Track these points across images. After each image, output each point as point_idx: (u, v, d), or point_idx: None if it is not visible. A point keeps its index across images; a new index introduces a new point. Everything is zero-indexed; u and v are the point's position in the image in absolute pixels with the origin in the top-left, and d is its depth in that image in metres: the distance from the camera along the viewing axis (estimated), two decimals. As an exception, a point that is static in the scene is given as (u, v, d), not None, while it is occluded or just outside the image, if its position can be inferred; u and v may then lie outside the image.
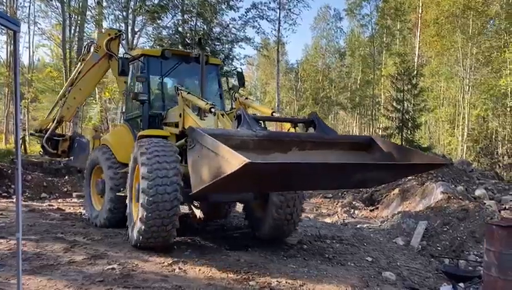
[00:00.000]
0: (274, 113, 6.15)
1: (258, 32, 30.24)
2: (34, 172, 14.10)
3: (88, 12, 22.60)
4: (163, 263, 5.44)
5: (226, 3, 23.04)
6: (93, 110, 24.47)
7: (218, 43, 22.46)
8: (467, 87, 28.58)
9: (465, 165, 15.06)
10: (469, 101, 28.53)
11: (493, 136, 29.56)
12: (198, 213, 9.04)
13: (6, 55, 24.82)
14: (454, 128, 31.46)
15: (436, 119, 34.19)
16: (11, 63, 22.16)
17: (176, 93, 6.68)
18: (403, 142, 19.35)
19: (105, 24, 22.97)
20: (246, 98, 7.77)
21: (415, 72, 23.30)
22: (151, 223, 5.56)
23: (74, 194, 12.72)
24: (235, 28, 23.99)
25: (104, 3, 22.14)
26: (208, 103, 5.90)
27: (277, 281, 5.04)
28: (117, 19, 22.25)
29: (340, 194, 14.47)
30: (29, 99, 26.81)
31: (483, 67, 28.95)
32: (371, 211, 12.31)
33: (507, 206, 10.45)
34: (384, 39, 39.70)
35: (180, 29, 22.15)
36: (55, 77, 27.66)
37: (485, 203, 9.91)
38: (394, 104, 21.83)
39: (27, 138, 18.81)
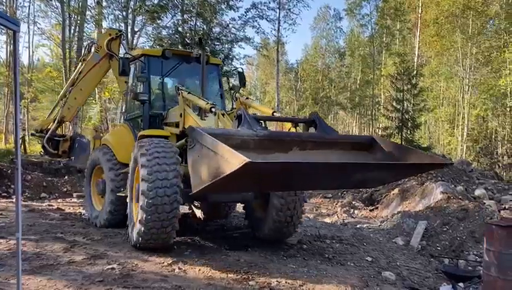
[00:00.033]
0: (275, 113, 6.14)
1: (257, 32, 30.36)
2: (34, 172, 14.10)
3: (88, 12, 22.62)
4: (163, 263, 5.44)
5: (225, 3, 23.05)
6: (93, 110, 24.45)
7: (217, 43, 22.47)
8: (467, 87, 28.60)
9: (465, 165, 15.06)
10: (469, 101, 28.55)
11: (493, 136, 29.58)
12: (198, 213, 9.04)
13: (6, 55, 24.85)
14: (453, 128, 31.49)
15: (436, 119, 34.23)
16: (11, 62, 22.17)
17: (177, 93, 6.67)
18: (403, 142, 19.35)
19: (105, 24, 23.01)
20: (247, 98, 7.76)
21: (415, 72, 23.33)
22: (151, 225, 5.55)
23: (75, 194, 12.71)
24: (234, 27, 24.03)
25: (104, 3, 22.15)
26: (208, 103, 5.89)
27: (277, 281, 5.04)
28: (117, 18, 22.28)
29: (339, 194, 14.47)
30: (28, 99, 26.82)
31: (483, 67, 28.97)
32: (370, 211, 12.31)
33: (507, 206, 10.46)
34: (384, 39, 39.70)
35: (180, 29, 22.15)
36: (54, 76, 27.66)
37: (484, 203, 9.91)
38: (394, 104, 21.85)
39: (27, 137, 18.82)
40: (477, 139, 28.56)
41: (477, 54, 28.44)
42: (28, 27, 27.91)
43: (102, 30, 21.54)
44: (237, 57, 24.87)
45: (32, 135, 11.59)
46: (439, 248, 7.79)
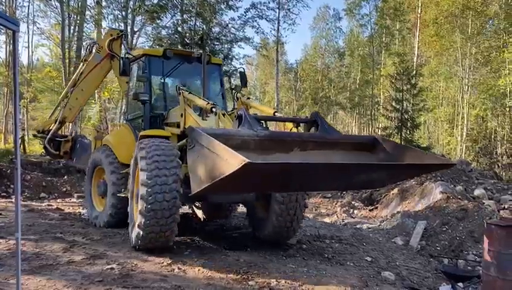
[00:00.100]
0: (276, 113, 6.12)
1: (257, 32, 30.39)
2: (33, 172, 14.10)
3: (87, 12, 22.58)
4: (163, 262, 5.44)
5: (225, 3, 23.04)
6: (93, 110, 24.41)
7: (217, 43, 22.46)
8: (466, 87, 28.63)
9: (464, 165, 15.06)
10: (468, 101, 28.58)
11: (492, 136, 29.61)
12: (199, 214, 9.04)
13: (6, 55, 24.79)
14: (453, 128, 31.51)
15: (435, 119, 34.26)
16: (10, 62, 22.13)
17: (177, 93, 6.65)
18: (402, 142, 19.37)
19: (104, 24, 22.95)
20: (248, 98, 7.72)
21: (414, 72, 23.36)
22: (149, 229, 5.54)
23: (75, 195, 12.71)
24: (234, 27, 24.03)
25: (104, 3, 22.10)
26: (209, 103, 5.87)
27: (276, 281, 5.04)
28: (116, 18, 22.26)
29: (339, 194, 14.47)
30: (28, 99, 26.79)
31: (482, 67, 29.02)
32: (370, 210, 12.32)
33: (506, 206, 10.47)
34: (384, 39, 39.71)
35: (179, 29, 22.14)
36: (54, 76, 27.64)
37: (484, 203, 9.92)
38: (393, 104, 21.88)
39: (26, 137, 18.79)
40: (477, 139, 28.59)
41: (477, 54, 28.48)
42: (28, 27, 27.96)
43: (102, 30, 21.54)
44: (237, 57, 24.94)
45: (34, 136, 11.58)
46: (438, 248, 7.79)
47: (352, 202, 13.22)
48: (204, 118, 6.15)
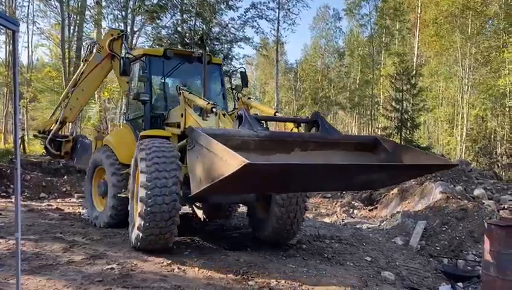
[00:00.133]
0: (277, 114, 6.10)
1: (257, 32, 30.37)
2: (33, 172, 14.09)
3: (87, 12, 22.57)
4: (163, 262, 5.44)
5: (225, 3, 23.04)
6: (92, 110, 24.40)
7: (217, 43, 22.46)
8: (466, 87, 28.65)
9: (464, 165, 15.07)
10: (468, 101, 28.60)
11: (492, 136, 29.63)
12: (200, 214, 9.04)
13: (5, 55, 24.80)
14: (453, 128, 31.53)
15: (435, 119, 34.27)
16: (10, 62, 22.13)
17: (178, 93, 6.63)
18: (402, 142, 19.38)
19: (104, 24, 22.95)
20: (249, 98, 7.70)
21: (414, 72, 23.38)
22: (149, 232, 5.53)
23: (76, 195, 12.71)
24: (234, 27, 24.02)
25: (103, 3, 22.10)
26: (209, 103, 5.86)
27: (276, 281, 5.04)
28: (116, 18, 22.27)
29: (339, 193, 14.47)
30: (28, 99, 26.78)
31: (482, 67, 29.03)
32: (370, 210, 12.33)
33: (506, 206, 10.47)
34: (383, 39, 39.74)
35: (179, 29, 22.14)
36: (54, 76, 27.63)
37: (483, 203, 9.93)
38: (393, 104, 21.90)
39: (26, 137, 18.78)
40: (476, 139, 28.61)
41: (477, 54, 28.49)
42: (27, 27, 27.97)
43: (102, 30, 21.54)
44: (236, 56, 24.93)
45: (34, 136, 11.57)
46: (438, 248, 7.80)
47: (352, 202, 13.23)
48: (205, 118, 6.14)
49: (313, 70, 46.55)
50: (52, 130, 10.15)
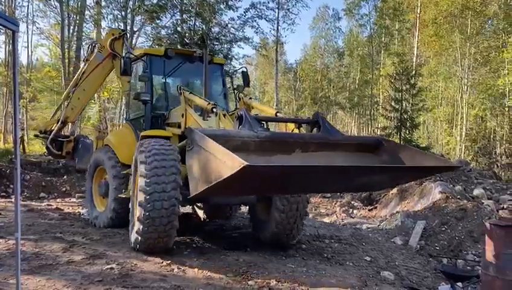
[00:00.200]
0: (278, 114, 6.07)
1: (256, 32, 30.30)
2: (33, 172, 14.09)
3: (87, 12, 22.58)
4: (162, 262, 5.44)
5: (224, 3, 23.06)
6: (92, 110, 24.41)
7: (217, 43, 22.47)
8: (465, 87, 28.66)
9: (463, 165, 15.08)
10: (467, 100, 28.61)
11: (491, 136, 29.65)
12: (200, 214, 9.04)
13: (5, 55, 24.79)
14: (452, 128, 31.54)
15: (435, 119, 34.28)
16: (10, 62, 22.13)
17: (178, 93, 6.61)
18: (401, 142, 19.38)
19: (104, 24, 22.98)
20: (250, 98, 7.67)
21: (414, 72, 23.38)
22: (147, 236, 5.52)
23: (76, 194, 12.71)
24: (233, 27, 24.04)
25: (103, 3, 22.12)
26: (210, 103, 5.83)
27: (276, 280, 5.04)
28: (116, 18, 22.27)
29: (338, 193, 14.47)
30: (27, 99, 26.77)
31: (482, 67, 29.04)
32: (369, 210, 12.34)
33: (505, 206, 10.47)
34: (383, 39, 39.78)
35: (179, 29, 22.16)
36: (53, 76, 27.64)
37: (483, 203, 9.93)
38: (393, 103, 21.90)
39: (26, 137, 18.77)
40: (476, 139, 28.63)
41: (476, 54, 28.50)
42: (27, 27, 27.99)
43: (102, 30, 21.55)
44: (236, 56, 24.96)
45: (35, 136, 11.53)
46: (437, 248, 7.81)
47: (352, 202, 13.24)
48: (206, 118, 6.12)
49: (313, 70, 46.57)
50: (53, 130, 10.14)
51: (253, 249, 6.51)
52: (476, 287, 5.96)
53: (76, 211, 9.80)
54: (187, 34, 21.89)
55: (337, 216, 11.76)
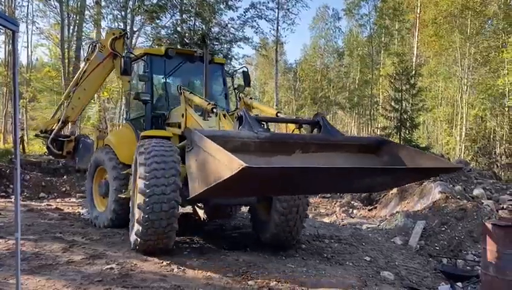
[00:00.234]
0: (279, 114, 6.05)
1: (256, 32, 30.30)
2: (33, 172, 14.09)
3: (86, 12, 22.59)
4: (162, 262, 5.44)
5: (224, 3, 23.07)
6: (92, 110, 24.41)
7: (216, 43, 22.48)
8: (465, 87, 28.67)
9: (463, 165, 15.08)
10: (467, 100, 28.61)
11: (491, 136, 29.65)
12: (201, 214, 9.03)
13: (5, 55, 24.79)
14: (452, 128, 31.54)
15: (434, 119, 34.28)
16: (10, 62, 22.12)
17: (179, 93, 6.60)
18: (401, 142, 19.39)
19: (103, 24, 22.99)
20: (251, 98, 7.62)
21: (413, 72, 23.38)
22: (147, 238, 5.52)
23: (77, 194, 12.71)
24: (233, 27, 24.06)
25: (103, 3, 22.14)
26: (210, 103, 5.81)
27: (276, 280, 5.04)
28: (115, 18, 22.27)
29: (338, 193, 14.48)
30: (27, 99, 26.76)
31: (481, 67, 29.05)
32: (369, 210, 12.34)
33: (505, 206, 10.48)
34: (383, 39, 39.78)
35: (178, 29, 22.16)
36: (53, 76, 27.62)
37: (482, 203, 9.93)
38: (392, 103, 21.90)
39: (25, 137, 18.76)
40: (476, 139, 28.63)
41: (476, 54, 28.51)
42: (27, 27, 27.97)
43: (101, 30, 21.55)
44: (236, 56, 24.98)
45: (36, 135, 11.51)
46: (437, 248, 7.81)
47: (352, 202, 13.24)
48: (206, 118, 6.11)
49: (312, 70, 46.57)
50: (54, 129, 10.13)
51: (253, 249, 6.52)
52: (475, 287, 5.96)
53: (76, 211, 9.80)
54: (187, 34, 21.90)
55: (337, 216, 11.77)
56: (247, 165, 3.13)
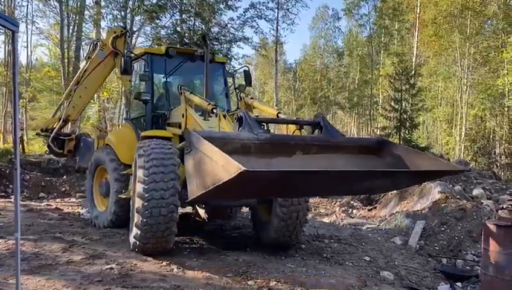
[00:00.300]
0: (280, 114, 6.03)
1: (256, 32, 30.29)
2: (32, 172, 14.09)
3: (86, 12, 22.57)
4: (162, 262, 5.44)
5: (224, 3, 23.09)
6: (91, 110, 24.40)
7: (216, 43, 22.48)
8: (465, 87, 28.68)
9: (463, 165, 15.08)
10: (467, 100, 28.62)
11: (491, 136, 29.66)
12: (202, 213, 9.03)
13: (4, 55, 24.78)
14: (452, 128, 31.55)
15: (434, 119, 34.30)
16: (9, 62, 22.11)
17: (179, 93, 6.58)
18: (401, 142, 19.40)
19: (103, 24, 22.98)
20: (251, 98, 7.58)
21: (413, 72, 23.38)
22: (145, 241, 5.52)
23: (77, 195, 12.70)
24: (233, 27, 24.07)
25: (102, 3, 22.12)
26: (210, 104, 5.78)
27: (275, 280, 5.05)
28: (115, 18, 22.22)
29: (338, 193, 14.48)
30: (27, 99, 26.75)
31: (481, 67, 29.06)
32: (369, 210, 12.35)
33: (504, 206, 10.48)
34: (382, 39, 39.79)
35: (178, 29, 22.17)
36: (53, 76, 27.60)
37: (482, 203, 9.94)
38: (392, 103, 21.91)
39: (25, 137, 18.74)
40: (475, 139, 28.64)
41: (475, 54, 28.52)
42: (26, 27, 27.95)
43: (101, 30, 21.55)
44: (236, 56, 24.98)
45: (37, 134, 11.48)
46: (437, 248, 7.81)
47: (351, 202, 13.25)
48: (206, 118, 6.09)
49: (312, 70, 46.57)
50: (54, 128, 10.13)
51: (252, 249, 6.52)
52: (475, 287, 5.97)
53: (76, 211, 9.80)
54: (187, 34, 21.90)
55: (336, 216, 11.77)
56: (245, 168, 3.07)
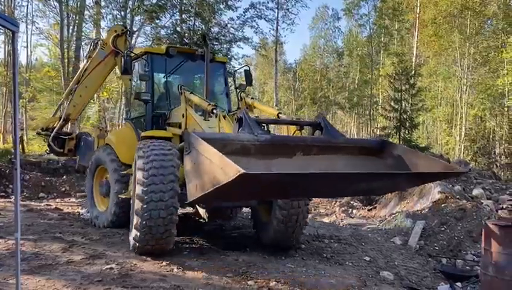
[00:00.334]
0: (280, 114, 6.02)
1: (256, 32, 30.31)
2: (32, 172, 14.09)
3: (86, 12, 22.58)
4: (162, 262, 5.44)
5: (224, 3, 23.09)
6: (91, 110, 24.40)
7: (216, 43, 22.49)
8: (465, 87, 28.68)
9: (463, 165, 15.07)
10: (466, 100, 28.63)
11: (490, 136, 29.67)
12: (202, 212, 9.02)
13: (4, 55, 24.78)
14: (451, 128, 31.55)
15: (434, 119, 34.32)
16: (9, 62, 22.11)
17: (179, 93, 6.57)
18: (401, 142, 19.41)
19: (103, 24, 22.99)
20: (252, 98, 7.56)
21: (413, 72, 23.41)
22: (144, 243, 5.52)
23: (77, 195, 12.70)
24: (233, 27, 24.08)
25: (102, 3, 22.13)
26: (210, 104, 5.77)
27: (275, 280, 5.05)
28: (115, 18, 22.21)
29: (338, 193, 14.47)
30: (27, 99, 26.74)
31: (481, 67, 29.07)
32: (369, 210, 12.35)
33: (504, 206, 10.48)
34: (382, 39, 39.81)
35: (178, 29, 22.17)
36: (53, 76, 27.60)
37: (482, 203, 9.94)
38: (392, 103, 21.93)
39: (25, 137, 18.74)
40: (475, 139, 28.65)
41: (475, 54, 28.53)
42: (26, 27, 27.91)
43: (101, 30, 21.55)
44: (236, 56, 24.98)
45: (37, 133, 11.47)
46: (437, 248, 7.81)
47: (351, 202, 13.24)
48: (207, 119, 6.08)
49: (312, 70, 46.60)
50: (55, 127, 10.12)
51: (252, 249, 6.52)
52: (475, 287, 5.97)
53: (76, 211, 9.79)
54: (186, 34, 21.90)
55: (336, 216, 11.77)
56: (244, 171, 3.04)
